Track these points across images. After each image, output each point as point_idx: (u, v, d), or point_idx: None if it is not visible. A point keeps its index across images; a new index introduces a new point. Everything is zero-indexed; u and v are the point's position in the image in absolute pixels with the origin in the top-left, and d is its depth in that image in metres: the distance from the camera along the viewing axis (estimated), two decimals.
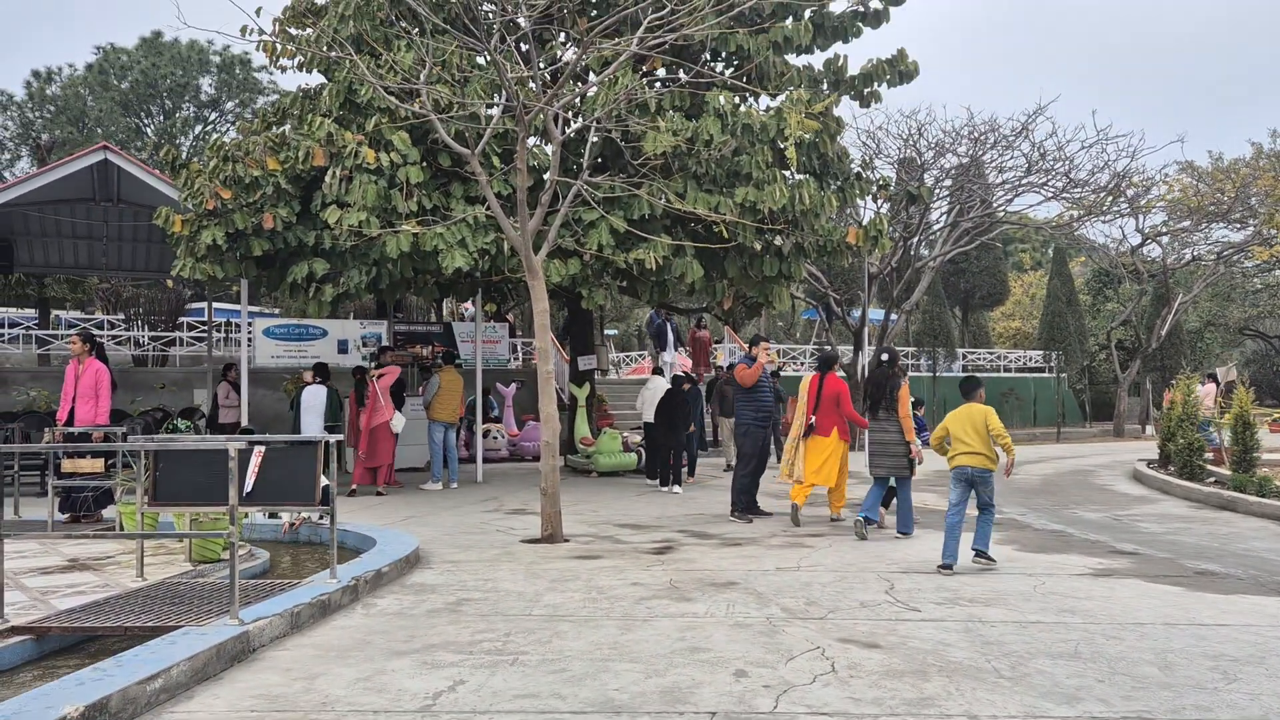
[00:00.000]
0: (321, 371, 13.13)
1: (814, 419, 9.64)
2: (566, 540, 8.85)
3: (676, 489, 12.95)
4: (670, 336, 21.05)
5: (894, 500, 9.58)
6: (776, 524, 9.94)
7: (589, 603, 6.22)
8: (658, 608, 6.05)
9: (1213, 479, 12.97)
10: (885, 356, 9.53)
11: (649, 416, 13.89)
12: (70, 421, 9.48)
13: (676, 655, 4.93)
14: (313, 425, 12.44)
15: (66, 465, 8.42)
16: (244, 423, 13.10)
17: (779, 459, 17.40)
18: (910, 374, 29.01)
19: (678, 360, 21.56)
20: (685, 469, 13.95)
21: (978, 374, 30.78)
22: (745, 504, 10.41)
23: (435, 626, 5.60)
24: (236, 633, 4.83)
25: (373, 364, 14.25)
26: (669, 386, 13.72)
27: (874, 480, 9.39)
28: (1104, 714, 3.98)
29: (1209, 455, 14.24)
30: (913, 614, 5.82)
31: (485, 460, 15.35)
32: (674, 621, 5.67)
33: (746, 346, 11.22)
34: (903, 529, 9.22)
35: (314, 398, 12.69)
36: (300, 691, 4.35)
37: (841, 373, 10.32)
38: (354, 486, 12.77)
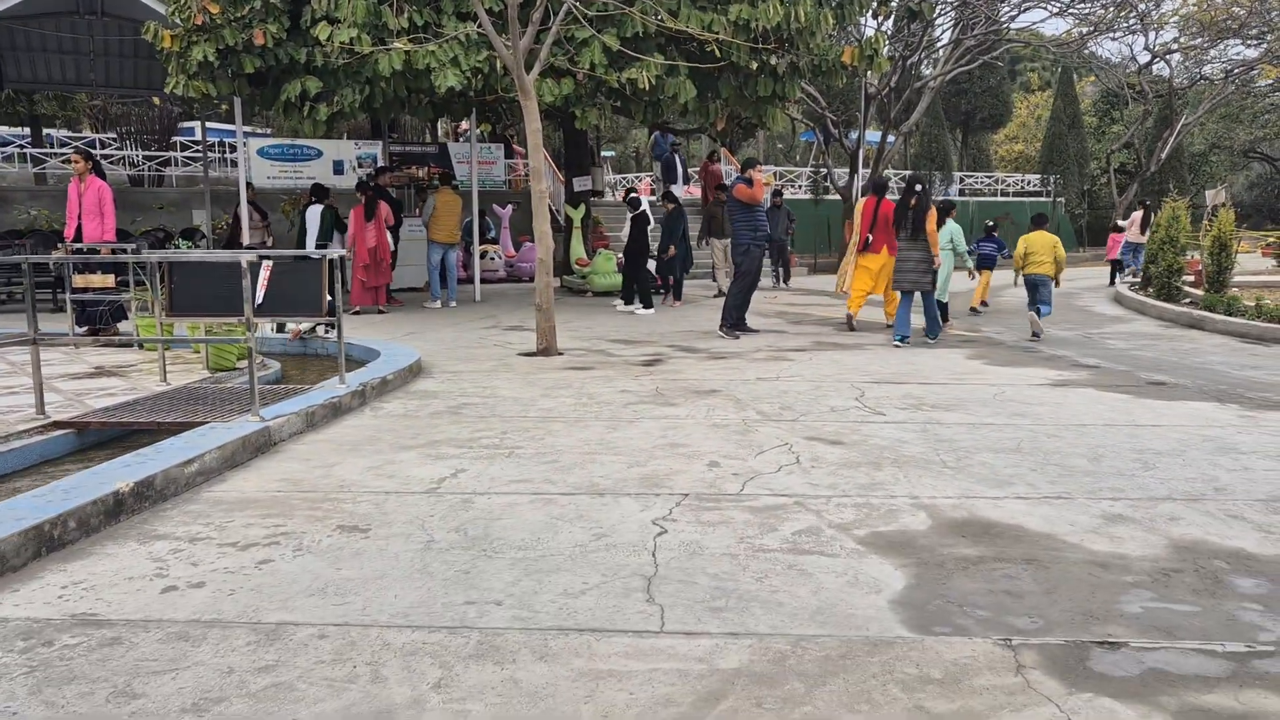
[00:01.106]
0: (317, 191, 13.32)
1: (870, 236, 10.82)
2: (560, 354, 9.34)
3: (636, 309, 13.27)
4: (680, 169, 20.80)
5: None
6: (762, 340, 10.43)
7: (580, 406, 6.73)
8: (643, 411, 6.56)
9: (1188, 300, 13.41)
10: (917, 186, 10.19)
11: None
12: (78, 239, 9.76)
13: (657, 450, 5.46)
14: (311, 243, 12.73)
15: (79, 280, 8.77)
16: (269, 243, 13.56)
17: (784, 278, 17.51)
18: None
19: (685, 193, 21.51)
20: (668, 291, 14.34)
21: (975, 198, 30.77)
22: (734, 320, 10.85)
23: (438, 426, 6.12)
24: (259, 427, 5.34)
25: (375, 178, 14.37)
26: (630, 213, 13.84)
27: (900, 295, 10.36)
28: (1029, 494, 4.52)
29: (1188, 277, 14.63)
30: (877, 417, 6.34)
31: (482, 280, 15.73)
32: (657, 423, 6.19)
33: (738, 166, 11.38)
34: (930, 334, 10.45)
35: (312, 217, 12.96)
36: (319, 476, 4.89)
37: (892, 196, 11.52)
38: (356, 307, 13.13)
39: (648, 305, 13.31)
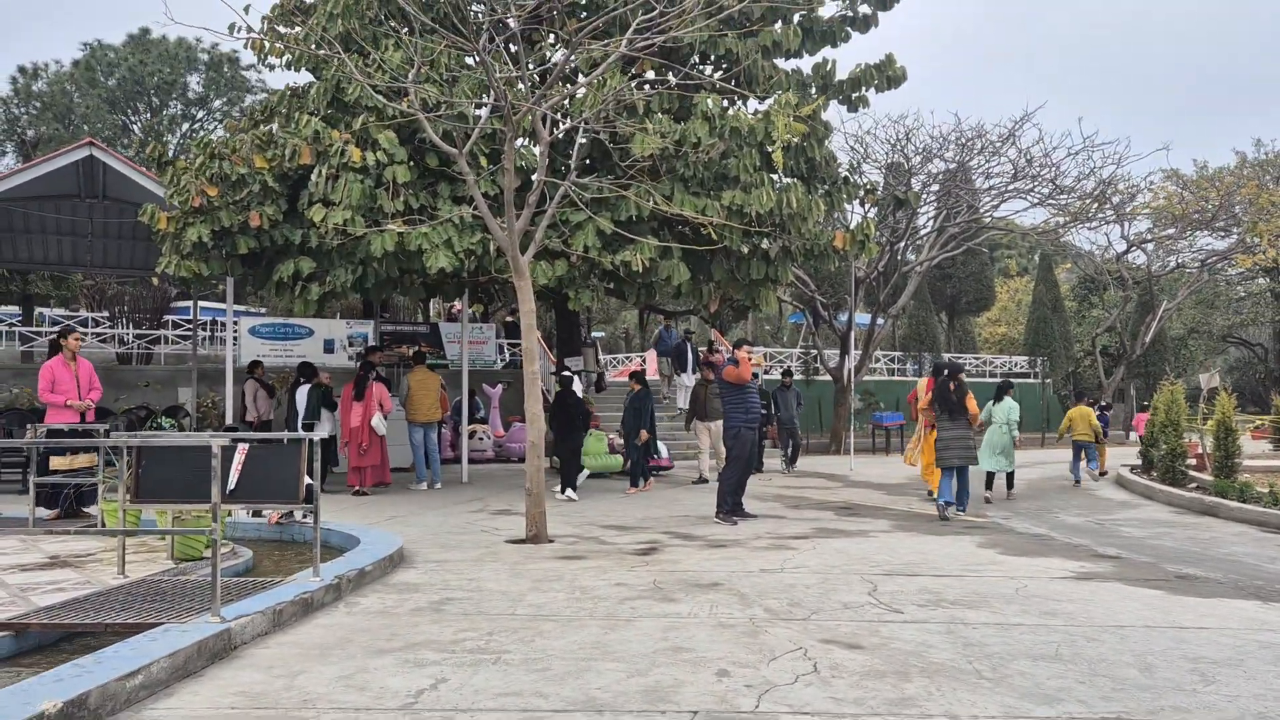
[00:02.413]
0: (304, 370, 13.15)
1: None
2: (551, 541, 8.85)
3: (571, 495, 12.31)
4: (690, 358, 20.49)
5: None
6: (761, 526, 9.97)
7: (573, 602, 6.22)
8: (641, 608, 6.05)
9: (1195, 484, 13.07)
10: (946, 371, 11.42)
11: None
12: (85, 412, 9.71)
13: (659, 655, 4.94)
14: (298, 423, 12.46)
15: (61, 463, 8.47)
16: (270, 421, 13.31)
17: (791, 460, 17.02)
18: (894, 377, 29.13)
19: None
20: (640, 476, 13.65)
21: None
22: (731, 505, 10.42)
23: (418, 625, 5.59)
24: (218, 630, 4.81)
25: (365, 356, 14.23)
26: (558, 389, 13.22)
27: (943, 471, 10.94)
28: (1083, 714, 4.00)
29: (1192, 461, 14.36)
30: (895, 615, 5.84)
31: (471, 461, 15.33)
32: (657, 622, 5.67)
33: (730, 348, 11.28)
34: (961, 507, 11.03)
35: (302, 396, 12.75)
36: (281, 689, 4.33)
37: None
38: (358, 487, 12.66)
39: (570, 486, 12.50)
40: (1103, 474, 15.97)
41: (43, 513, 9.04)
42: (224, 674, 4.59)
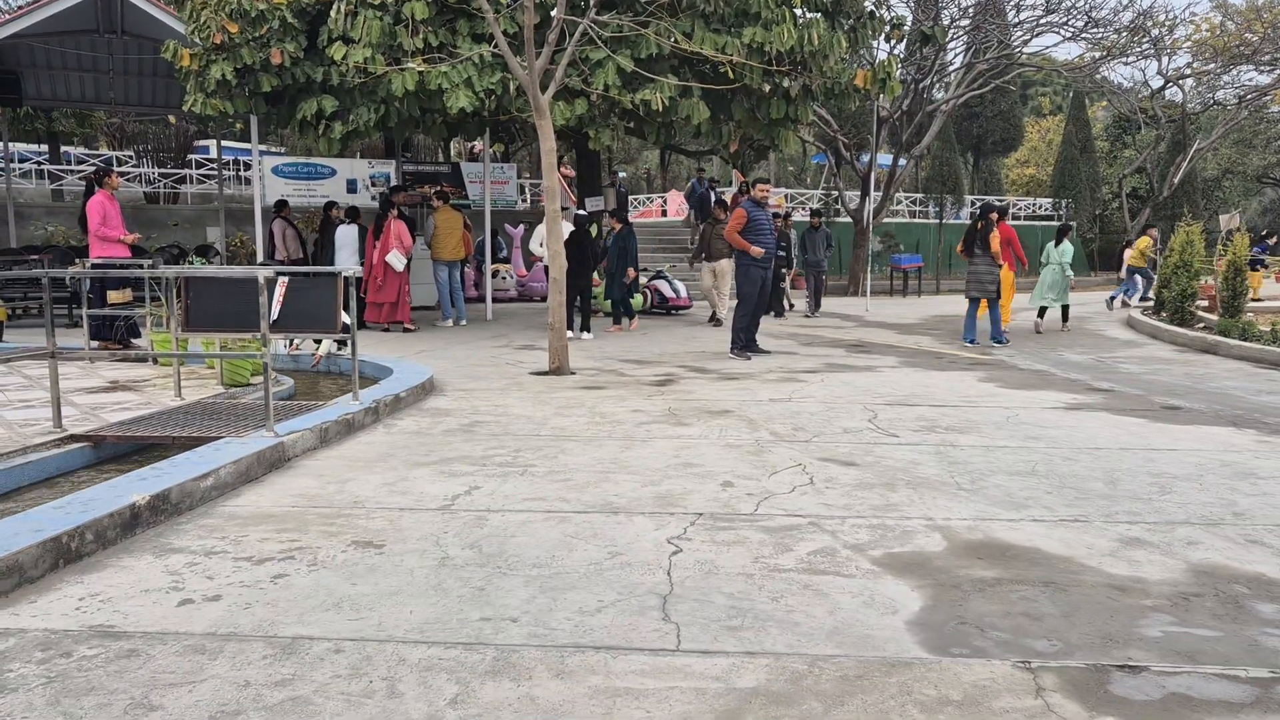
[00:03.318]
0: (351, 212, 13.51)
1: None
2: (573, 373, 9.36)
3: (585, 335, 12.55)
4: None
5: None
6: (774, 361, 10.43)
7: (592, 425, 6.73)
8: (656, 430, 6.56)
9: (1202, 325, 13.36)
10: (991, 214, 12.11)
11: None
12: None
13: (671, 469, 5.45)
14: (347, 261, 12.84)
15: (116, 296, 8.97)
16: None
17: (815, 306, 16.80)
18: (915, 219, 29.02)
19: None
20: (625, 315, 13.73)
21: None
22: (745, 342, 10.85)
23: (451, 443, 6.13)
24: (273, 442, 5.35)
25: (389, 197, 14.48)
26: (571, 228, 12.90)
27: (968, 301, 12.27)
28: (1045, 517, 4.49)
29: (1202, 302, 14.59)
30: (890, 439, 6.32)
31: (494, 300, 15.79)
32: (670, 442, 6.18)
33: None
34: (995, 338, 12.11)
35: (347, 236, 13.10)
36: (334, 492, 4.89)
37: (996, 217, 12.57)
38: (383, 323, 13.21)
39: (586, 326, 12.74)
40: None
41: (94, 344, 9.61)
42: (281, 480, 5.15)
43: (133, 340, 10.07)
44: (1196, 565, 3.85)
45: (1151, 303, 16.23)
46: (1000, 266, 12.08)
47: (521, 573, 3.72)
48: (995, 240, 11.91)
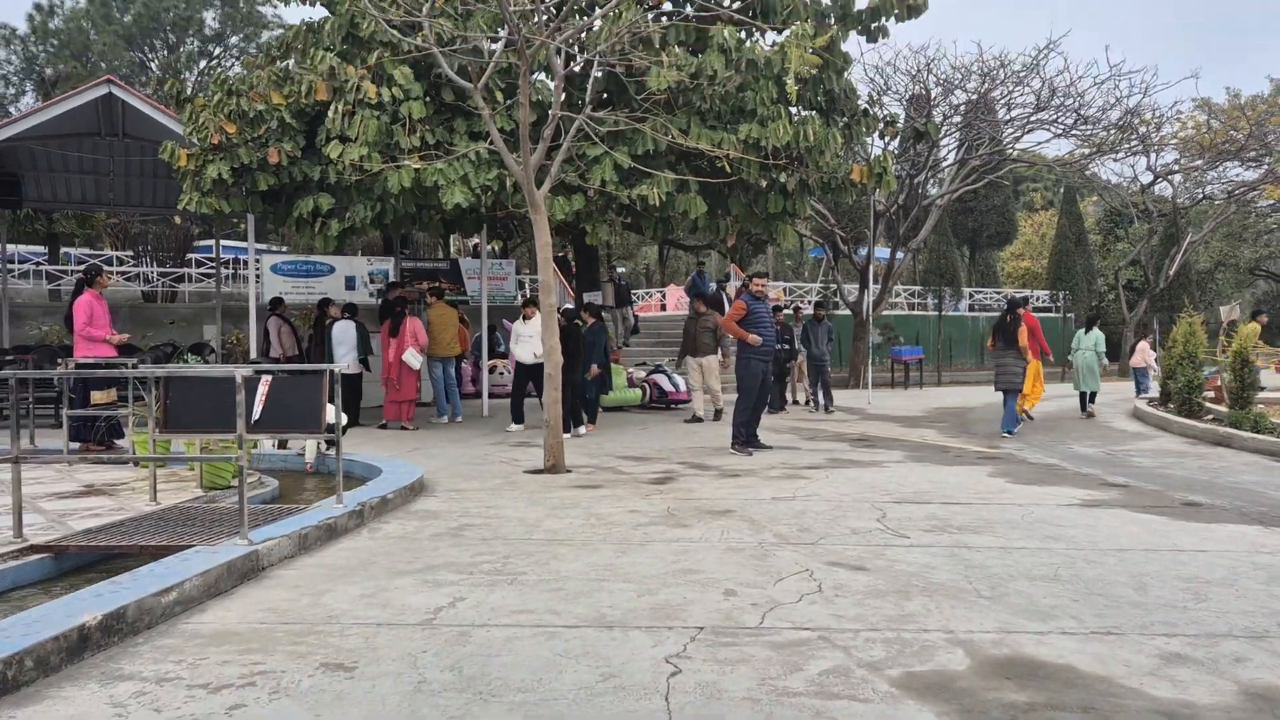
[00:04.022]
0: (350, 309, 13.41)
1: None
2: (569, 471, 9.05)
3: (581, 430, 12.30)
4: (727, 306, 20.44)
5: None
6: (776, 457, 10.13)
7: (587, 528, 6.41)
8: (654, 533, 6.23)
9: (1211, 416, 13.09)
10: (1019, 309, 12.64)
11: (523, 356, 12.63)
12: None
13: (669, 576, 5.12)
14: (345, 358, 12.68)
15: (99, 397, 8.75)
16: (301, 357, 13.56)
17: (826, 402, 16.05)
18: (914, 312, 29.03)
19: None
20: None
21: (984, 313, 30.80)
22: (746, 436, 10.57)
23: (438, 549, 5.80)
24: (246, 551, 5.03)
25: (386, 293, 14.39)
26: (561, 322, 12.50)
27: (1002, 394, 12.70)
28: (1075, 629, 4.15)
29: (1208, 393, 14.35)
30: (901, 540, 5.99)
31: (491, 395, 15.54)
32: (669, 546, 5.85)
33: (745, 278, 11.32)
34: (1005, 429, 12.45)
35: (345, 332, 12.96)
36: (307, 606, 4.55)
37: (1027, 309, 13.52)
38: (385, 421, 13.00)
39: (579, 421, 12.43)
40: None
41: (74, 445, 9.32)
42: (252, 592, 4.81)
43: (115, 441, 9.78)
44: (1249, 686, 3.49)
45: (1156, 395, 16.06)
46: (1026, 362, 12.59)
47: (504, 698, 3.38)
48: (1024, 335, 12.40)
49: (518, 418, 12.74)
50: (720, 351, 14.28)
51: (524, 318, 12.76)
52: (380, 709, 3.28)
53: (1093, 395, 15.35)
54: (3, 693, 3.34)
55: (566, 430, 11.81)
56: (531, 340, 12.38)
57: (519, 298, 21.95)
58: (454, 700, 3.36)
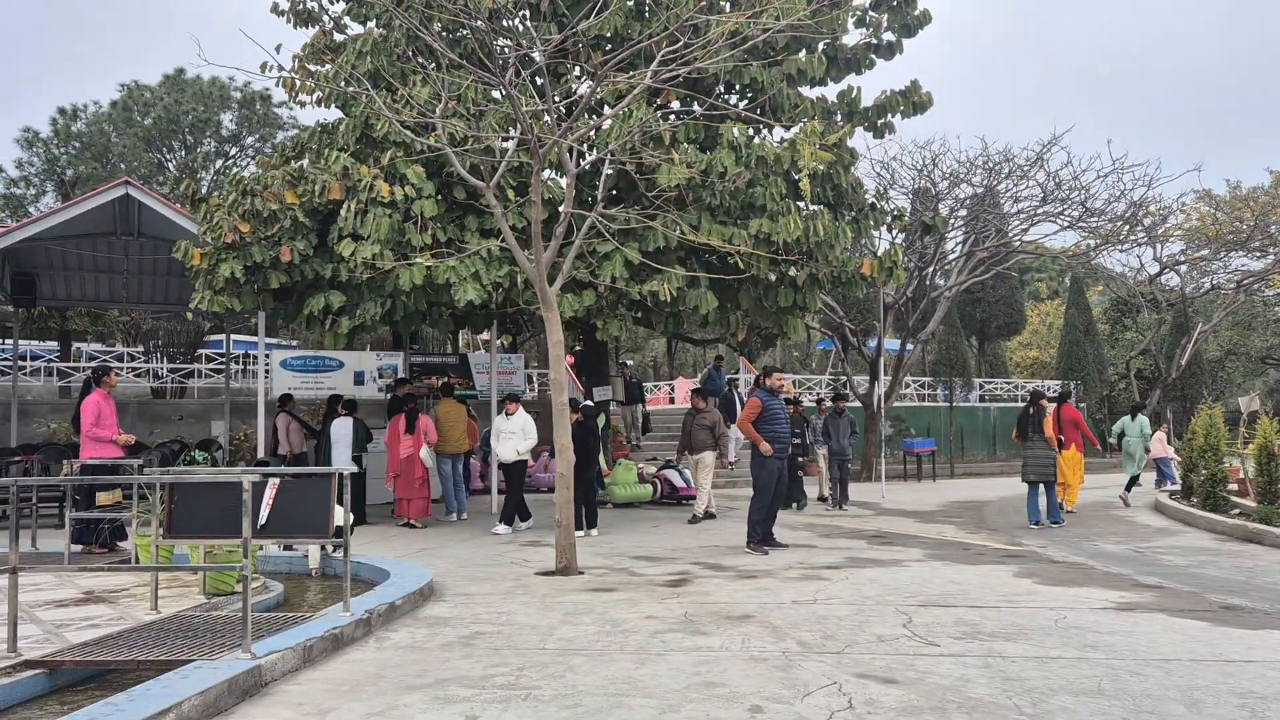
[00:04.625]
0: (349, 405, 13.30)
1: (1061, 438, 13.29)
2: (581, 572, 8.80)
3: (593, 532, 11.81)
4: (739, 408, 20.07)
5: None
6: (792, 556, 9.86)
7: (603, 636, 6.16)
8: (672, 641, 5.99)
9: (1237, 510, 12.79)
10: (1041, 401, 12.89)
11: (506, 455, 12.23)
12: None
13: (691, 690, 4.87)
14: (341, 456, 12.53)
15: (104, 499, 8.61)
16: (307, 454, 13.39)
17: (842, 498, 15.20)
18: (925, 403, 28.87)
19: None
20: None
21: (994, 403, 30.62)
22: (761, 535, 10.32)
23: (448, 660, 5.56)
24: (248, 667, 4.80)
25: (394, 389, 14.29)
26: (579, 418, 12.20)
27: (1028, 485, 12.77)
28: None
29: (1233, 486, 14.07)
30: (931, 649, 5.73)
31: (500, 492, 15.29)
32: (689, 656, 5.60)
33: (758, 375, 11.19)
34: (1053, 520, 12.53)
35: (341, 430, 12.83)
36: None
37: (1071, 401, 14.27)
38: (409, 519, 12.76)
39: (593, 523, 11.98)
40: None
41: (76, 547, 9.12)
42: (254, 711, 4.58)
43: (119, 543, 9.58)
44: None
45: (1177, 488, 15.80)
46: (1055, 451, 12.69)
47: None
48: (1049, 425, 12.68)
49: (507, 519, 12.27)
50: (718, 450, 13.76)
51: (506, 414, 12.39)
52: None
53: (1136, 479, 16.31)
54: None
55: (579, 528, 11.56)
56: (513, 437, 12.13)
57: (527, 391, 21.89)
58: None
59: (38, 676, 5.00)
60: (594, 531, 11.88)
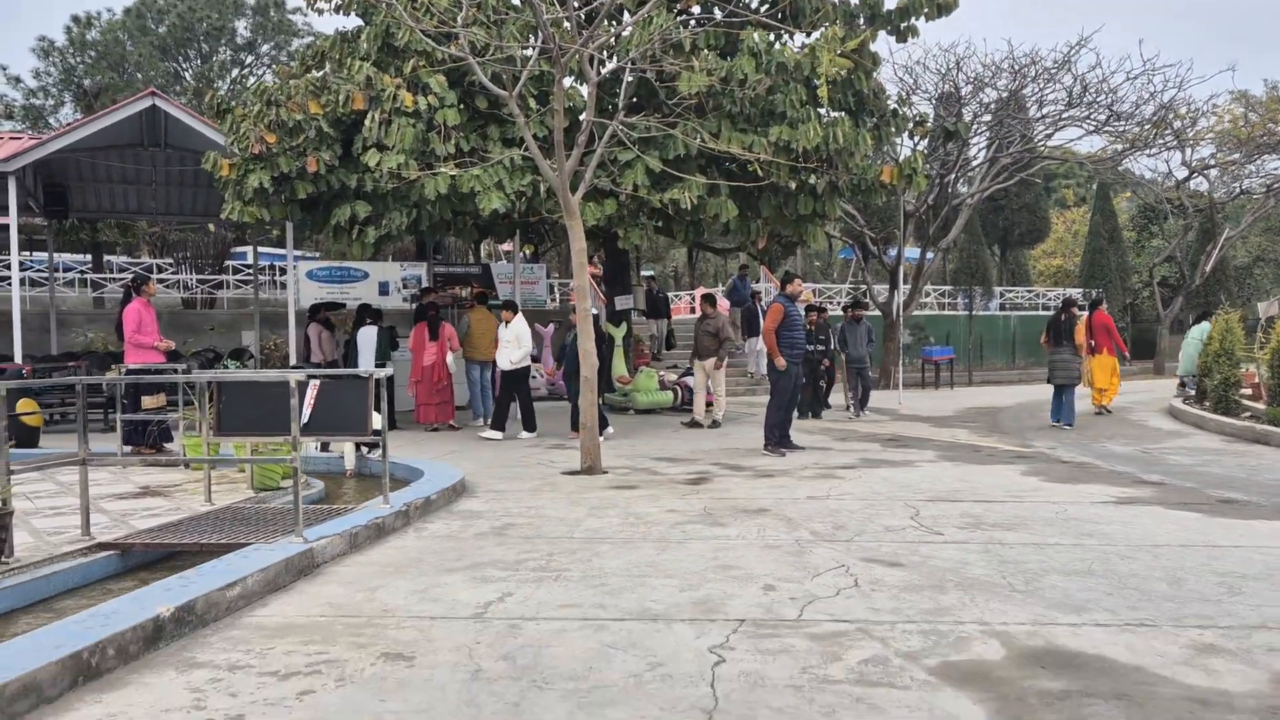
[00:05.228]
0: (372, 314, 13.64)
1: (1093, 343, 14.24)
2: (605, 472, 9.21)
3: (609, 430, 12.05)
4: (761, 320, 20.20)
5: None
6: (808, 457, 10.23)
7: (627, 527, 6.56)
8: (692, 531, 6.37)
9: (1248, 414, 13.02)
10: (1073, 308, 13.50)
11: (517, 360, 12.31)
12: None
13: (709, 572, 5.26)
14: (367, 364, 12.93)
15: (149, 402, 9.03)
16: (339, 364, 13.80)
17: (861, 403, 15.43)
18: (944, 312, 28.93)
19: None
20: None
21: (1015, 312, 30.63)
22: (779, 438, 10.68)
23: (483, 547, 5.97)
24: (302, 549, 5.23)
25: (420, 298, 14.59)
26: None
27: (1054, 388, 13.33)
28: (1109, 621, 4.25)
29: (1245, 390, 14.26)
30: (935, 537, 6.09)
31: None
32: (707, 543, 5.99)
33: (779, 285, 11.40)
34: (1067, 421, 13.08)
35: (367, 339, 13.20)
36: (363, 600, 4.74)
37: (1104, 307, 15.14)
38: (433, 423, 13.26)
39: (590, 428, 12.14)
40: None
41: (126, 449, 9.61)
42: (310, 588, 5.01)
43: (165, 445, 10.07)
44: None
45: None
46: (1081, 357, 13.45)
47: (558, 686, 3.53)
48: (1079, 332, 13.32)
49: (497, 424, 12.38)
50: (721, 357, 13.58)
51: (504, 322, 12.57)
52: (441, 696, 3.45)
53: (1184, 381, 16.97)
54: (88, 678, 3.55)
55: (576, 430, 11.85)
56: (508, 346, 12.30)
57: (549, 301, 22.17)
58: (510, 688, 3.53)
59: (111, 557, 5.46)
60: (609, 430, 12.13)
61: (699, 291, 30.38)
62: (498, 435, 12.32)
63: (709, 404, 14.14)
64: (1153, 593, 4.71)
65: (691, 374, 16.41)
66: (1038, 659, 3.78)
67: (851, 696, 3.41)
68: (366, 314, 13.85)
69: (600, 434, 11.98)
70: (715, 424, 13.61)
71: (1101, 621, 4.24)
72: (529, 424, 12.60)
